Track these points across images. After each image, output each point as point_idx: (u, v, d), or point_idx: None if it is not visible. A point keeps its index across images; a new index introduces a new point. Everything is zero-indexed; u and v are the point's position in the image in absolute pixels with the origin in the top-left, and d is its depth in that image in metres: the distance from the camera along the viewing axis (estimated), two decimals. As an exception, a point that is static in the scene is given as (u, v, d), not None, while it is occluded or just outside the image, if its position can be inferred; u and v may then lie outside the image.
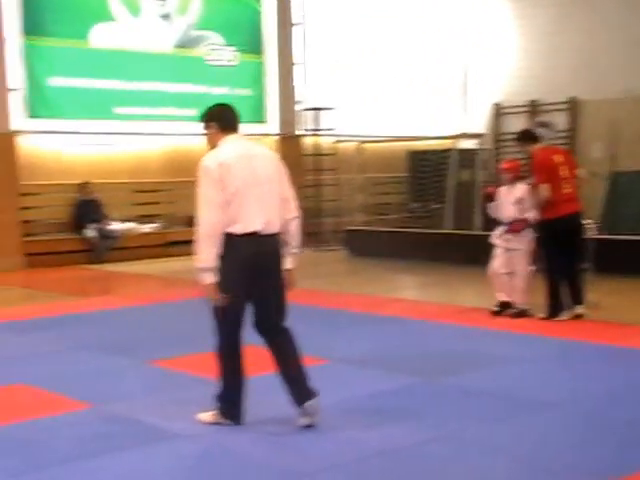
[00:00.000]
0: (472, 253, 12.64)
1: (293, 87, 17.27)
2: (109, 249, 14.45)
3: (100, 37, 14.83)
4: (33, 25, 14.03)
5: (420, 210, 16.85)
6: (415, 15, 19.09)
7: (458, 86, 20.13)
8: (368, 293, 10.57)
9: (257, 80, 16.88)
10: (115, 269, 13.59)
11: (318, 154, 16.41)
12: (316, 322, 8.46)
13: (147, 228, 14.99)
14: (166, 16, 15.71)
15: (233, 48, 16.44)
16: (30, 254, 13.83)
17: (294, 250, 5.15)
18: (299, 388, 5.11)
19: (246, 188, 4.88)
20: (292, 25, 17.26)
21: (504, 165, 8.73)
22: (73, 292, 11.41)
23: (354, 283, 11.71)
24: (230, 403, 5.09)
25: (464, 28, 19.87)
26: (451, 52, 19.87)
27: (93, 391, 5.97)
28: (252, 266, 4.91)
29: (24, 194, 14.02)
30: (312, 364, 6.58)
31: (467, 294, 10.87)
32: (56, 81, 14.38)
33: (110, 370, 6.68)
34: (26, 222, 14.08)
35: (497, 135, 18.98)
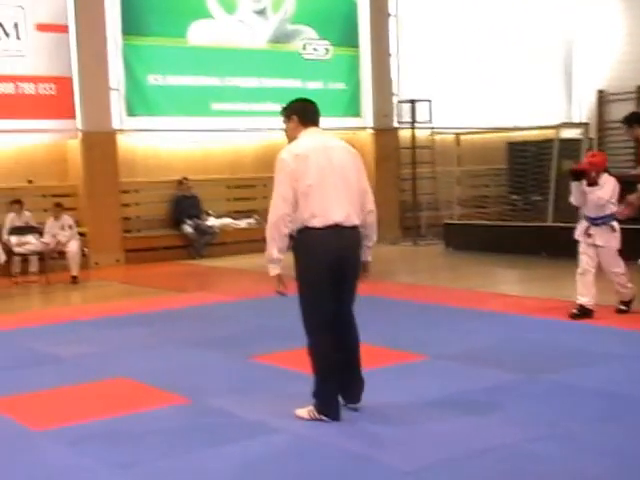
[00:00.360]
0: (575, 246, 12.25)
1: (389, 79, 17.08)
2: (207, 245, 14.61)
3: (197, 35, 15.00)
4: (132, 25, 14.30)
5: (520, 202, 16.42)
6: (515, 0, 18.60)
7: (560, 73, 19.54)
8: (467, 288, 10.34)
9: (352, 73, 16.77)
10: (212, 264, 13.72)
11: (414, 147, 16.18)
12: (414, 317, 8.33)
13: (243, 223, 15.08)
14: (261, 12, 15.77)
15: (327, 42, 16.39)
16: (129, 250, 14.11)
17: (370, 243, 5.17)
18: (351, 388, 5.17)
19: (323, 180, 4.89)
20: (387, 16, 17.08)
21: (587, 159, 8.10)
22: (171, 287, 11.55)
23: (452, 278, 11.48)
24: (325, 399, 5.04)
25: (567, 12, 19.24)
26: (553, 37, 19.29)
27: (192, 386, 5.99)
28: (335, 259, 4.90)
29: (124, 191, 14.31)
30: (410, 360, 6.51)
31: (570, 288, 10.42)
32: (155, 79, 14.62)
33: (209, 365, 6.69)
34: (125, 219, 14.37)
35: (601, 124, 18.33)
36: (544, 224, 13.63)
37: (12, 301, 10.93)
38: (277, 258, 4.90)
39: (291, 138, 5.15)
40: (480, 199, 17.10)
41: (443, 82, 17.44)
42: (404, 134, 16.62)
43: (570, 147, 15.27)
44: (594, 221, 7.89)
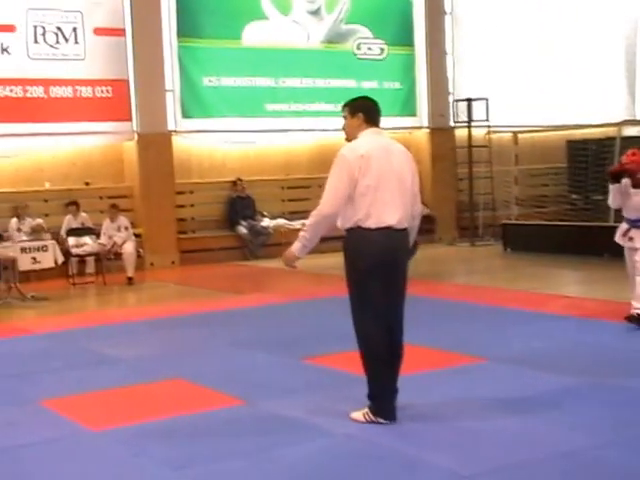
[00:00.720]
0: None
1: (445, 78, 16.90)
2: (262, 245, 14.61)
3: (252, 36, 15.02)
4: (187, 28, 14.39)
5: (580, 202, 16.07)
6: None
7: (622, 69, 19.10)
8: (527, 289, 10.13)
9: (407, 72, 16.62)
10: (267, 265, 13.70)
11: (471, 146, 15.96)
12: (473, 320, 8.18)
13: (298, 224, 15.02)
14: (315, 12, 15.73)
15: (382, 41, 16.27)
16: (184, 251, 14.18)
17: (409, 246, 5.17)
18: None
19: (382, 182, 4.89)
20: (443, 14, 16.90)
21: (630, 156, 7.49)
22: (226, 289, 11.56)
23: (511, 279, 11.27)
24: (380, 400, 4.99)
25: (628, 6, 18.79)
26: (614, 32, 18.84)
27: (247, 387, 5.95)
28: (384, 260, 4.88)
29: (179, 192, 14.39)
30: (469, 362, 6.38)
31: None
32: (209, 81, 14.67)
33: (263, 366, 6.66)
34: (180, 220, 14.45)
35: (666, 121, 17.84)
36: (606, 224, 13.28)
37: (69, 302, 11.05)
38: (309, 246, 4.98)
39: (350, 135, 5.12)
40: (539, 199, 16.78)
41: (500, 80, 17.18)
42: (460, 133, 16.42)
43: (632, 145, 14.84)
44: (635, 223, 7.45)
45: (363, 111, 5.11)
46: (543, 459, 4.37)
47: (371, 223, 4.87)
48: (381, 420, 4.96)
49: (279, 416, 5.24)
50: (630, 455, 4.40)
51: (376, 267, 4.86)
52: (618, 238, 7.60)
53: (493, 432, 4.81)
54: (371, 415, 4.99)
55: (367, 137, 5.03)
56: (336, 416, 5.11)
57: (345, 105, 5.22)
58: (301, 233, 5.02)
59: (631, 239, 7.44)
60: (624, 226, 7.54)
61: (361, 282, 4.90)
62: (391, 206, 4.90)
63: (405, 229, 5.01)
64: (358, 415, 5.04)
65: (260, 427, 5.06)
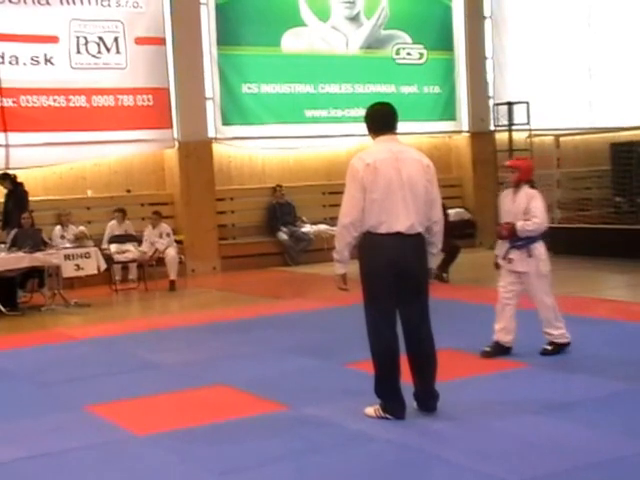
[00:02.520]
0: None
1: (485, 82, 16.80)
2: (303, 251, 14.62)
3: (291, 43, 15.08)
4: (227, 36, 14.49)
5: (625, 205, 15.84)
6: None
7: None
8: (570, 293, 9.98)
9: (447, 77, 16.55)
10: (308, 271, 13.71)
11: (512, 149, 15.83)
12: (517, 324, 8.06)
13: (338, 230, 15.02)
14: (354, 18, 15.74)
15: (421, 46, 16.23)
16: (225, 257, 14.24)
17: (435, 250, 5.31)
18: (424, 398, 5.21)
19: (391, 189, 5.01)
20: (483, 18, 16.81)
21: (509, 161, 7.13)
22: (268, 294, 11.59)
23: (555, 283, 10.91)
24: (388, 397, 5.14)
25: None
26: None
27: (290, 393, 5.95)
28: (396, 263, 5.02)
29: (219, 199, 14.46)
30: (510, 368, 6.31)
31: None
32: (249, 88, 14.74)
33: (306, 372, 6.65)
34: (221, 226, 14.52)
35: None
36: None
37: (112, 308, 11.16)
38: (347, 258, 5.11)
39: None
40: (582, 202, 16.58)
41: (541, 83, 17.03)
42: (501, 137, 16.29)
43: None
44: (514, 242, 6.69)
45: (367, 122, 5.28)
46: (590, 466, 4.30)
47: (382, 229, 5.03)
48: (389, 416, 5.11)
49: (322, 421, 5.24)
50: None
51: (386, 271, 5.02)
52: (498, 258, 6.81)
53: (538, 439, 4.74)
54: (380, 411, 5.17)
55: (377, 146, 5.20)
56: (378, 421, 5.10)
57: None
58: (334, 253, 5.17)
59: (510, 261, 6.73)
60: (504, 246, 6.75)
61: (372, 285, 5.09)
62: (402, 214, 5.03)
63: (417, 234, 5.11)
64: (370, 410, 5.22)
65: (303, 432, 5.06)
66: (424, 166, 5.19)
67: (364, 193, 5.00)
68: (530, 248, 6.63)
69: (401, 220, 5.02)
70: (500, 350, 6.70)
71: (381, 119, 5.24)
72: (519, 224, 6.55)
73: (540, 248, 6.71)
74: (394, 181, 5.02)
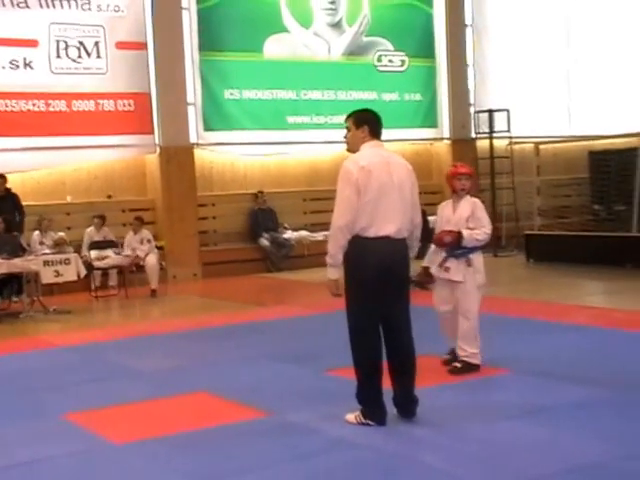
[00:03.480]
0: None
1: (466, 90, 16.88)
2: (285, 257, 14.60)
3: (273, 49, 15.08)
4: (209, 41, 14.48)
5: (603, 212, 15.97)
6: (595, 7, 18.18)
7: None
8: (550, 300, 10.07)
9: (428, 84, 16.63)
10: (289, 277, 13.70)
11: (493, 157, 15.91)
12: (495, 330, 8.08)
13: (320, 236, 15.01)
14: (336, 25, 15.77)
15: (403, 53, 16.29)
16: (206, 263, 14.19)
17: (412, 254, 5.35)
18: (404, 403, 5.21)
19: (383, 194, 5.04)
20: (464, 26, 16.90)
21: (463, 169, 6.55)
22: (249, 301, 11.56)
23: (535, 290, 11.20)
24: (369, 403, 5.14)
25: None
26: (633, 41, 18.74)
27: (271, 400, 5.93)
28: (383, 267, 5.04)
29: (201, 205, 14.43)
30: (492, 374, 6.32)
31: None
32: (231, 94, 14.73)
33: (287, 379, 6.64)
34: (202, 232, 14.48)
35: (689, 131, 17.66)
36: (628, 234, 13.21)
37: (92, 315, 11.10)
38: (340, 262, 5.07)
39: (353, 146, 5.28)
40: (561, 209, 16.69)
41: (521, 91, 17.14)
42: (482, 144, 16.38)
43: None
44: (452, 251, 6.45)
45: (369, 124, 5.26)
46: (569, 471, 4.32)
47: (371, 233, 5.03)
48: (370, 422, 5.10)
49: (303, 428, 5.22)
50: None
51: (374, 274, 5.02)
52: (433, 268, 6.53)
53: (519, 445, 4.76)
54: (361, 417, 5.14)
55: (369, 150, 5.19)
56: (359, 428, 5.10)
57: (349, 116, 5.34)
58: (327, 257, 5.11)
59: (447, 269, 6.46)
60: (441, 255, 6.47)
61: (359, 289, 5.08)
62: (391, 218, 5.07)
63: (403, 239, 5.16)
64: (351, 417, 5.20)
65: (284, 439, 5.04)
66: (410, 171, 5.28)
67: (358, 195, 5.00)
68: (470, 258, 6.40)
69: (390, 224, 5.06)
70: (455, 358, 6.54)
71: (378, 125, 5.30)
72: (466, 232, 6.31)
73: (479, 258, 6.48)
74: (387, 184, 5.07)
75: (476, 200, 6.52)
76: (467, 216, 6.39)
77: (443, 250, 6.39)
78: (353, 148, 5.26)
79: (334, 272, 5.10)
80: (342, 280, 5.13)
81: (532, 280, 12.43)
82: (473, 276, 6.40)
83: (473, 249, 6.43)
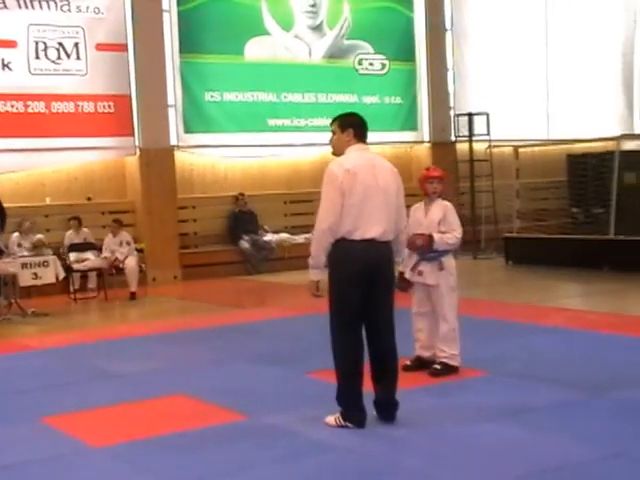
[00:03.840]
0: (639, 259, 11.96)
1: (446, 93, 16.95)
2: (265, 260, 14.60)
3: (254, 51, 15.08)
4: (189, 43, 14.44)
5: (581, 215, 16.10)
6: (573, 13, 18.34)
7: (620, 85, 19.19)
8: (528, 302, 10.14)
9: (408, 87, 16.68)
10: (269, 280, 13.70)
11: (472, 160, 16.00)
12: (474, 332, 8.13)
13: (300, 239, 15.03)
14: (317, 28, 15.79)
15: (383, 56, 16.34)
16: (186, 266, 14.17)
17: (399, 259, 5.46)
18: (385, 407, 5.23)
19: (368, 197, 5.07)
20: (444, 30, 16.98)
21: (434, 172, 6.54)
22: (229, 303, 11.55)
23: (513, 292, 11.27)
24: (348, 406, 5.14)
25: (625, 22, 18.90)
26: (611, 48, 18.95)
27: (250, 402, 5.93)
28: (367, 269, 5.06)
29: (181, 207, 14.40)
30: (470, 375, 6.36)
31: (636, 303, 10.24)
32: (211, 96, 14.71)
33: (267, 381, 6.64)
34: (182, 235, 14.45)
35: (664, 135, 17.88)
36: (606, 237, 13.33)
37: (71, 318, 11.04)
38: (322, 264, 5.11)
39: (338, 149, 5.31)
40: (540, 212, 16.80)
41: (501, 95, 17.25)
42: (462, 147, 16.45)
43: (631, 159, 14.94)
44: (424, 254, 6.48)
45: (353, 127, 5.29)
46: (544, 472, 4.36)
47: (356, 235, 5.05)
48: (349, 425, 5.11)
49: (282, 430, 5.23)
50: (632, 467, 4.39)
51: (359, 277, 5.05)
52: (407, 272, 6.39)
53: (494, 446, 4.79)
54: (341, 419, 5.15)
55: (354, 153, 5.21)
56: (338, 430, 5.11)
57: (335, 120, 5.37)
58: (310, 259, 5.14)
59: (420, 273, 6.48)
60: (413, 259, 6.46)
61: (343, 292, 5.09)
62: (376, 220, 5.09)
63: (387, 242, 5.18)
64: (330, 419, 5.21)
65: (263, 442, 5.04)
66: (395, 174, 5.31)
67: (343, 198, 5.02)
68: (442, 261, 6.42)
69: (375, 226, 5.08)
70: (420, 365, 6.53)
71: (363, 128, 5.32)
72: (437, 236, 6.33)
73: (451, 261, 6.52)
74: (371, 187, 5.09)
75: (448, 203, 6.55)
76: (439, 219, 6.43)
77: (415, 253, 6.39)
78: (338, 152, 5.30)
79: (316, 274, 5.13)
80: (324, 282, 5.15)
81: (511, 282, 12.51)
82: (447, 279, 6.44)
83: (444, 252, 6.46)
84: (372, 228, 5.07)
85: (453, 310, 6.47)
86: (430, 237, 6.35)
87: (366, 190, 5.06)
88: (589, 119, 18.23)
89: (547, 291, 11.25)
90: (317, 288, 5.15)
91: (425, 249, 6.38)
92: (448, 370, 6.40)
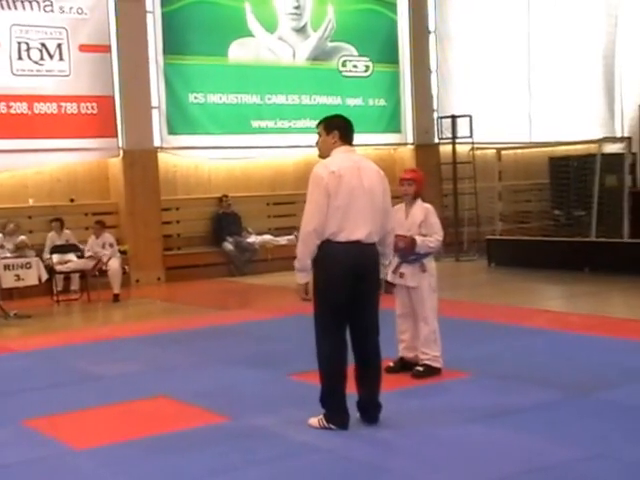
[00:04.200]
0: (620, 261, 12.04)
1: (430, 95, 17.02)
2: (248, 262, 14.60)
3: (237, 53, 15.08)
4: (173, 45, 14.42)
5: (563, 218, 16.20)
6: (555, 16, 18.46)
7: (602, 88, 19.33)
8: (511, 304, 10.19)
9: (392, 90, 16.73)
10: (253, 282, 13.70)
11: (455, 162, 16.06)
12: (457, 334, 8.18)
13: (284, 240, 15.05)
14: (301, 30, 15.81)
15: (367, 59, 16.38)
16: (170, 268, 14.14)
17: (387, 262, 5.46)
18: (367, 409, 5.24)
19: (353, 198, 5.08)
20: (427, 33, 17.04)
21: (406, 174, 6.65)
22: (212, 305, 11.54)
23: (496, 294, 11.32)
24: (332, 408, 5.16)
25: (607, 26, 19.05)
26: (594, 52, 19.10)
27: (233, 404, 5.94)
28: (353, 271, 5.07)
29: (164, 209, 14.37)
30: (453, 377, 6.39)
31: (616, 304, 10.33)
32: (195, 98, 14.70)
33: (250, 383, 6.64)
34: (166, 236, 14.42)
35: (644, 138, 18.02)
36: (587, 239, 13.44)
37: (53, 320, 11.00)
38: (309, 267, 5.09)
39: (324, 152, 5.33)
40: (522, 214, 16.91)
41: (484, 97, 17.33)
42: (445, 149, 16.51)
43: (613, 162, 15.07)
44: (405, 257, 6.50)
45: (339, 129, 5.31)
46: (528, 472, 4.39)
47: (342, 237, 5.06)
48: (333, 427, 5.13)
49: (265, 432, 5.23)
50: (615, 467, 4.44)
51: (344, 278, 5.06)
52: (389, 275, 6.22)
53: (478, 447, 4.82)
54: (324, 421, 5.17)
55: (340, 155, 5.22)
56: (321, 432, 5.13)
57: (320, 122, 5.39)
58: (296, 262, 5.13)
59: (402, 275, 6.48)
60: (394, 261, 6.32)
61: (328, 294, 5.10)
62: (361, 222, 5.09)
63: (373, 244, 5.18)
64: (314, 421, 5.22)
65: (245, 444, 5.04)
66: (381, 177, 5.31)
67: (328, 200, 5.04)
68: (423, 263, 6.44)
69: (361, 228, 5.08)
70: (403, 366, 6.55)
71: (349, 130, 5.34)
72: (419, 239, 6.35)
73: (432, 263, 6.54)
74: (357, 189, 5.09)
75: (429, 206, 6.57)
76: (420, 222, 6.46)
77: (396, 255, 6.31)
78: (324, 154, 5.32)
79: (303, 277, 5.12)
80: (311, 284, 5.14)
81: (493, 284, 12.56)
82: (428, 280, 6.47)
83: (425, 255, 6.48)
84: (357, 230, 5.07)
85: (434, 312, 6.48)
86: (413, 240, 6.36)
87: (351, 192, 5.07)
88: (571, 122, 18.35)
89: (529, 293, 11.31)
90: (306, 291, 5.13)
91: (407, 252, 6.39)
92: (431, 372, 6.43)
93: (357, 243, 5.08)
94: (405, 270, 6.44)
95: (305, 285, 5.13)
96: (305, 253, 5.07)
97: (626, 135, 18.12)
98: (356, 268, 5.07)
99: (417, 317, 6.49)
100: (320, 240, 5.05)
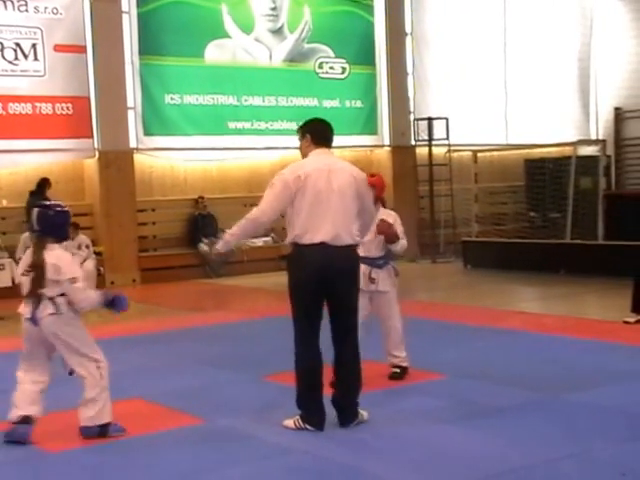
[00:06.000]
0: (595, 263, 12.13)
1: (406, 97, 17.07)
2: (224, 263, 14.54)
3: (214, 54, 15.05)
4: (149, 45, 14.37)
5: (538, 220, 16.31)
6: (531, 20, 18.60)
7: (577, 91, 19.49)
8: (486, 306, 10.24)
9: (368, 91, 16.76)
10: (229, 283, 13.67)
11: (432, 164, 16.12)
12: (433, 335, 8.23)
13: (260, 242, 15.04)
14: (277, 31, 15.80)
15: (344, 60, 16.40)
16: (145, 269, 14.08)
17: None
18: (344, 412, 5.23)
19: (318, 200, 5.10)
20: (404, 35, 17.10)
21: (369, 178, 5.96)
22: (187, 307, 11.51)
23: (471, 295, 11.37)
24: (308, 408, 5.17)
25: (583, 30, 19.22)
26: (569, 55, 19.26)
27: (207, 406, 5.92)
28: (320, 275, 5.07)
29: (140, 210, 14.31)
30: (428, 378, 6.42)
31: (591, 306, 10.41)
32: (171, 98, 14.65)
33: (224, 385, 6.63)
34: (142, 238, 14.36)
35: (618, 141, 18.20)
36: (562, 241, 13.53)
37: (28, 321, 10.88)
38: (233, 242, 5.31)
39: (303, 155, 5.40)
40: (498, 216, 17.01)
41: (460, 100, 17.41)
42: (421, 151, 16.57)
43: (587, 164, 15.20)
44: (375, 262, 6.39)
45: (310, 133, 5.37)
46: (500, 473, 4.41)
47: (306, 239, 5.09)
48: (309, 427, 5.13)
49: (239, 434, 5.22)
50: (587, 468, 4.46)
51: (311, 282, 5.08)
52: (361, 282, 5.67)
53: (452, 449, 4.84)
54: (300, 422, 5.17)
55: (312, 157, 5.29)
56: (297, 433, 5.13)
57: (299, 127, 5.51)
58: (229, 231, 5.30)
59: (373, 281, 6.34)
60: (364, 268, 5.98)
61: (298, 296, 5.14)
62: (327, 224, 5.08)
63: (346, 247, 5.14)
64: (289, 422, 5.22)
65: (219, 445, 5.03)
66: (356, 179, 5.27)
67: (288, 202, 5.09)
68: (392, 267, 6.45)
69: (325, 230, 5.07)
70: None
71: (322, 133, 5.38)
72: (402, 241, 6.35)
73: (396, 268, 6.54)
74: (323, 192, 5.10)
75: (392, 212, 6.53)
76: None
77: (365, 262, 6.00)
78: (304, 157, 5.38)
79: (224, 245, 5.33)
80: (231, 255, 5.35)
81: (469, 286, 12.62)
82: (395, 285, 6.51)
83: (392, 258, 6.48)
84: (321, 232, 5.06)
85: (399, 314, 6.51)
86: (392, 226, 6.26)
87: (317, 194, 5.08)
88: (547, 124, 18.50)
89: (505, 294, 11.37)
90: (219, 256, 5.40)
91: (391, 236, 6.24)
92: (405, 372, 6.47)
93: (322, 245, 5.06)
94: (376, 275, 6.35)
95: (222, 254, 5.40)
96: (241, 236, 5.30)
97: (601, 138, 18.32)
98: (323, 270, 5.05)
99: (384, 321, 6.46)
100: (259, 229, 5.36)
